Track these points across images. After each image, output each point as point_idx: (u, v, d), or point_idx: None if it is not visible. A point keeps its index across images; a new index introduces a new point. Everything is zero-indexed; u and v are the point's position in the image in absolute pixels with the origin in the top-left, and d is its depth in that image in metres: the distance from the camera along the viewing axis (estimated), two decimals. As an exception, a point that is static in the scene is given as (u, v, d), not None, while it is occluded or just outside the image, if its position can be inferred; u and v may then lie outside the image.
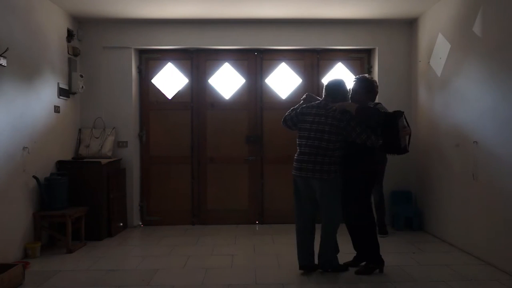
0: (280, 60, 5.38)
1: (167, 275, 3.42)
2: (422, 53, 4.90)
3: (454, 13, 4.19)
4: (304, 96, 3.69)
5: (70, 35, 4.81)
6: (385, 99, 4.57)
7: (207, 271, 3.49)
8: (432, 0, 4.48)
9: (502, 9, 3.44)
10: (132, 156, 5.15)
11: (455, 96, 4.17)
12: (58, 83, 4.53)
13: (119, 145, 5.10)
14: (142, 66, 5.34)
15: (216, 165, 5.32)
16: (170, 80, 5.35)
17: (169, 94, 5.35)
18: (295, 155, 3.60)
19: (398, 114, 4.36)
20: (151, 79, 5.37)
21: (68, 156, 4.76)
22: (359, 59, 5.42)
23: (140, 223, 5.28)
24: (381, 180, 4.58)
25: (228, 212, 5.24)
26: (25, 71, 3.94)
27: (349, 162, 3.43)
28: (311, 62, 5.38)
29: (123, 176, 5.03)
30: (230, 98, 5.34)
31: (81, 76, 4.88)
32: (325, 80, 5.33)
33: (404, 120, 4.37)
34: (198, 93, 5.33)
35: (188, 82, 5.33)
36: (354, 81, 3.63)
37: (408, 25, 5.23)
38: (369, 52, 5.40)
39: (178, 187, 5.31)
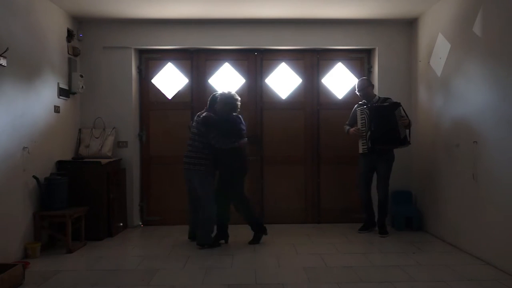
0: (280, 60, 5.38)
1: (167, 275, 3.42)
2: (422, 53, 4.90)
3: (454, 13, 4.19)
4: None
5: (70, 35, 4.81)
6: (385, 99, 4.61)
7: (207, 271, 3.49)
8: (432, 0, 4.48)
9: (502, 9, 3.44)
10: (132, 156, 5.15)
11: (455, 96, 4.17)
12: (58, 83, 4.53)
13: (119, 145, 5.10)
14: (142, 66, 5.34)
15: (216, 165, 5.32)
16: (170, 80, 5.35)
17: (169, 94, 5.35)
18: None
19: (395, 106, 4.44)
20: (151, 79, 5.37)
21: (68, 156, 4.76)
22: (359, 59, 5.42)
23: (140, 223, 5.28)
24: (386, 180, 4.58)
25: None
26: (25, 71, 3.94)
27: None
28: (311, 62, 5.38)
29: (123, 176, 5.03)
30: (230, 98, 5.34)
31: (81, 76, 4.88)
32: (326, 79, 5.35)
33: (402, 111, 4.45)
34: (198, 93, 5.33)
35: (188, 82, 5.33)
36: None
37: (408, 25, 5.23)
38: (369, 52, 5.40)
39: (178, 187, 5.29)
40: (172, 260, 3.81)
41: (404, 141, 4.46)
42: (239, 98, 4.29)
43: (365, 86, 4.61)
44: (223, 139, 4.09)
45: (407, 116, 4.48)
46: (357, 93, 4.68)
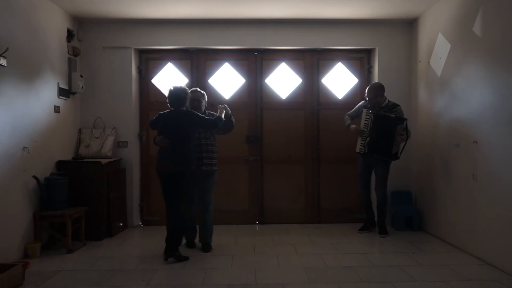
0: (280, 60, 5.38)
1: (167, 275, 3.42)
2: (422, 53, 4.90)
3: (454, 13, 4.19)
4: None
5: (70, 35, 4.81)
6: (385, 99, 4.59)
7: (207, 271, 3.49)
8: (432, 0, 4.48)
9: (502, 9, 3.44)
10: (132, 156, 5.14)
11: (455, 96, 4.17)
12: (58, 83, 4.53)
13: (119, 145, 5.10)
14: (142, 66, 5.35)
15: (216, 165, 5.32)
16: (170, 80, 5.35)
17: (169, 94, 5.34)
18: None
19: (400, 121, 4.37)
20: (151, 79, 5.37)
21: (68, 156, 4.76)
22: (359, 59, 5.42)
23: (140, 223, 5.28)
24: (384, 180, 4.57)
25: (228, 212, 5.24)
26: (25, 71, 3.94)
27: None
28: (311, 62, 5.38)
29: (123, 176, 5.03)
30: (230, 98, 5.33)
31: (81, 76, 4.88)
32: (324, 80, 5.36)
33: (405, 127, 4.37)
34: (198, 93, 5.32)
35: (188, 82, 5.32)
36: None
37: (408, 25, 5.23)
38: (369, 52, 5.40)
39: (178, 187, 5.30)
40: (172, 260, 3.80)
41: (394, 156, 4.45)
42: (181, 92, 3.89)
43: (374, 96, 4.50)
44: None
45: (407, 132, 4.40)
46: (365, 97, 4.61)
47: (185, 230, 4.09)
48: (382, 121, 4.39)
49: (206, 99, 4.22)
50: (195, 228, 4.29)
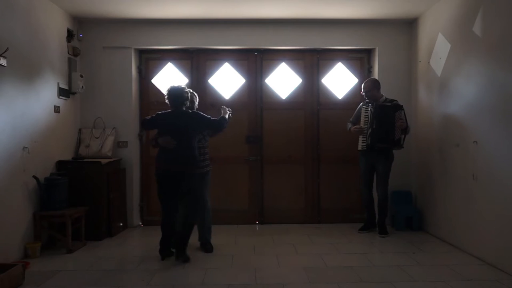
0: (280, 60, 5.38)
1: (167, 275, 3.42)
2: (422, 53, 4.90)
3: (454, 13, 4.19)
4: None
5: (70, 35, 4.81)
6: (385, 99, 4.59)
7: (207, 271, 3.49)
8: (432, 0, 4.48)
9: (502, 9, 3.44)
10: (132, 156, 5.15)
11: (455, 96, 4.17)
12: (58, 83, 4.53)
13: (119, 145, 5.10)
14: (142, 66, 5.35)
15: (216, 165, 5.30)
16: (170, 80, 5.34)
17: (169, 94, 5.34)
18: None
19: (397, 107, 4.45)
20: (151, 79, 5.37)
21: (68, 156, 4.76)
22: (359, 59, 5.42)
23: (140, 223, 5.28)
24: (385, 179, 4.58)
25: (228, 212, 5.24)
26: (25, 71, 3.94)
27: None
28: (311, 62, 5.38)
29: (123, 176, 5.03)
30: (230, 98, 5.34)
31: (81, 76, 4.88)
32: (325, 79, 5.35)
33: (402, 115, 4.46)
34: (198, 93, 5.22)
35: (188, 82, 5.33)
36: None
37: (408, 25, 5.23)
38: (369, 52, 5.40)
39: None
40: (172, 260, 3.80)
41: (397, 143, 4.47)
42: (182, 91, 3.81)
43: (370, 89, 4.56)
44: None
45: (406, 121, 4.47)
46: (362, 93, 4.66)
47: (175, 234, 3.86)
48: (381, 110, 4.44)
49: (198, 100, 4.19)
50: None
